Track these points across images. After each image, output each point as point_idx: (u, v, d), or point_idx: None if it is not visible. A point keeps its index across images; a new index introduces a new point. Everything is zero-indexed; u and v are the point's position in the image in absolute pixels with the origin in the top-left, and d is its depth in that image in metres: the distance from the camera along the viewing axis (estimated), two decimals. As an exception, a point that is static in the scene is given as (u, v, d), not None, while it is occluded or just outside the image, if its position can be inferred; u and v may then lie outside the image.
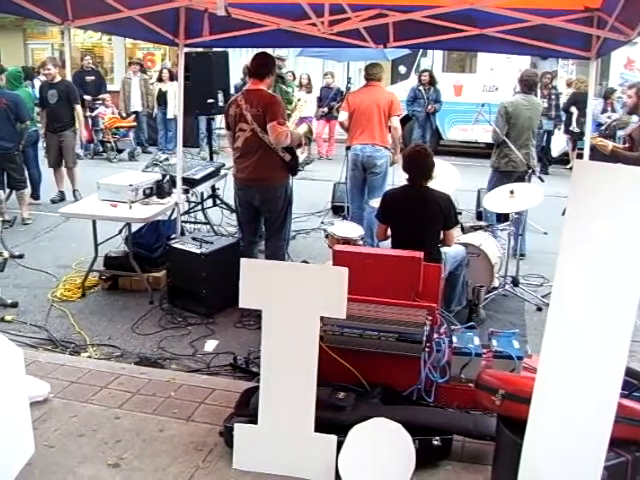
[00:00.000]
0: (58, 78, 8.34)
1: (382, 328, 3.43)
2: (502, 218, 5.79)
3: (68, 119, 8.35)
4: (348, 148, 6.34)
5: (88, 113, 12.12)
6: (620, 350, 2.19)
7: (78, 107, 8.49)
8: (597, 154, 5.20)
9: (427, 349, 3.40)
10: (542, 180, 5.79)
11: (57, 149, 8.41)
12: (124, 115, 12.71)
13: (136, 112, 12.74)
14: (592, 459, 2.25)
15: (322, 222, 7.44)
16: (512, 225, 5.48)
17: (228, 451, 2.99)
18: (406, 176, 4.40)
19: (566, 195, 2.33)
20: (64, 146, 8.41)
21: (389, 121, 6.08)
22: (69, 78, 12.98)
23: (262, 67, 4.74)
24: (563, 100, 11.79)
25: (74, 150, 8.74)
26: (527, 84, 6.20)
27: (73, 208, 5.48)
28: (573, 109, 11.15)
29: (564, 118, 11.58)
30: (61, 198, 8.51)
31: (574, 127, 11.18)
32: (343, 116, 6.28)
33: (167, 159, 7.00)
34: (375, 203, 5.01)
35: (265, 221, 4.95)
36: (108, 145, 12.18)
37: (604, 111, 11.01)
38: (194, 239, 5.12)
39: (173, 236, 5.50)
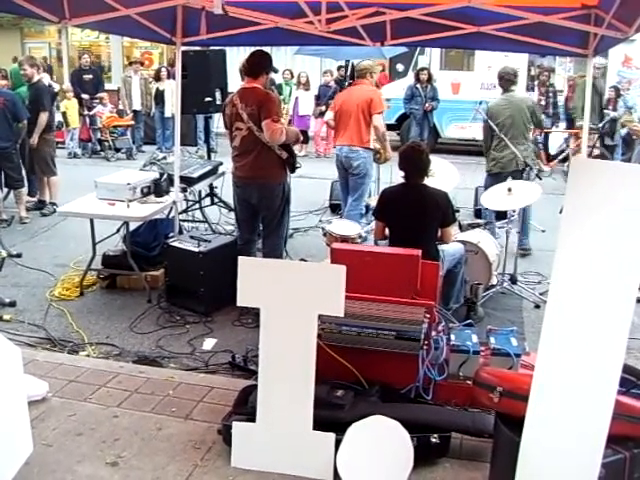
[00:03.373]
0: (36, 78, 7.57)
1: (380, 326, 3.44)
2: (500, 216, 5.79)
3: (34, 124, 7.46)
4: None
5: (86, 112, 12.12)
6: (618, 347, 2.20)
7: (43, 115, 7.46)
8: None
9: (425, 347, 3.40)
10: (540, 178, 5.79)
11: (29, 155, 7.66)
12: (129, 113, 12.67)
13: (135, 111, 12.72)
14: (590, 456, 2.26)
15: (320, 220, 7.42)
16: (509, 223, 5.48)
17: (226, 449, 2.99)
18: (402, 173, 4.41)
19: (564, 193, 2.33)
20: (33, 153, 7.65)
21: (372, 120, 5.94)
22: (67, 77, 12.98)
23: (257, 65, 4.74)
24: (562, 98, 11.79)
25: (46, 159, 7.75)
26: (503, 80, 6.32)
27: (71, 207, 5.47)
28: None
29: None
30: (36, 207, 7.78)
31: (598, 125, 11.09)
32: (329, 115, 6.40)
33: (165, 158, 6.99)
34: (373, 201, 5.01)
35: (263, 219, 4.95)
36: (106, 144, 12.16)
37: (605, 108, 10.98)
38: (192, 237, 5.11)
39: (171, 235, 5.50)
